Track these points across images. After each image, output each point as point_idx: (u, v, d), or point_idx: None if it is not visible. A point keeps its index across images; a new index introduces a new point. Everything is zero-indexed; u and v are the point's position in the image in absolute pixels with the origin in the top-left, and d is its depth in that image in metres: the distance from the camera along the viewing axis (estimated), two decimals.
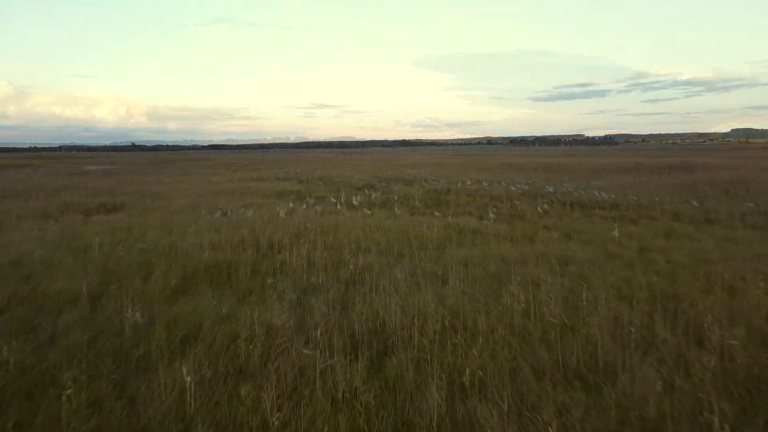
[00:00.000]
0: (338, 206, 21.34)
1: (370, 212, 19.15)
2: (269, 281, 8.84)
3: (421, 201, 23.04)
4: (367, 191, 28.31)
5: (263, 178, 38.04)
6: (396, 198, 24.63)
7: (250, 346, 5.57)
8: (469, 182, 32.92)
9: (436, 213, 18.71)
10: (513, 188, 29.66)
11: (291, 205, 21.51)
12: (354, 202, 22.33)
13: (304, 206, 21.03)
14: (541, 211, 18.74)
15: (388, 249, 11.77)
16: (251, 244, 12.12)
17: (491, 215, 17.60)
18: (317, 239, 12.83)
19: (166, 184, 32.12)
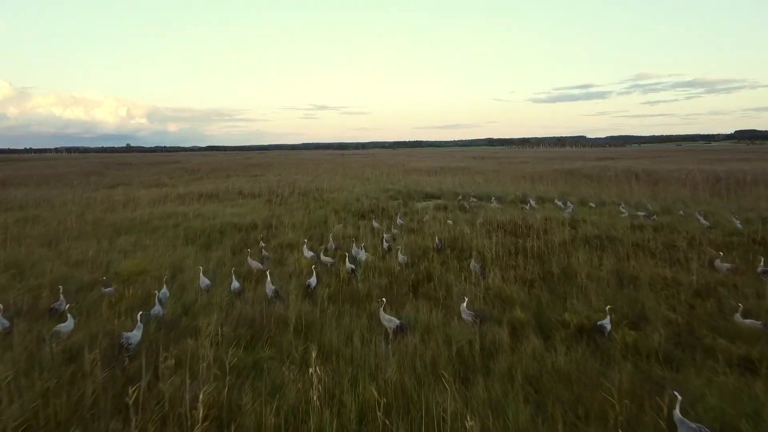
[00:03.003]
0: (312, 279, 9.07)
1: (396, 322, 6.87)
2: None
3: (498, 258, 10.73)
4: (375, 224, 15.98)
5: (218, 193, 25.62)
6: (435, 240, 12.37)
7: None
8: (533, 202, 20.64)
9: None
10: (624, 213, 17.50)
11: (203, 282, 9.07)
12: (349, 267, 10.01)
13: (233, 286, 8.71)
14: None
15: None
16: None
17: None
18: None
19: (42, 207, 19.73)
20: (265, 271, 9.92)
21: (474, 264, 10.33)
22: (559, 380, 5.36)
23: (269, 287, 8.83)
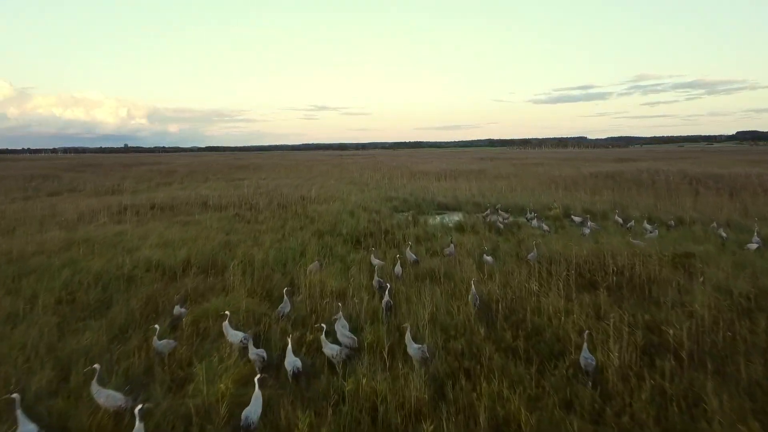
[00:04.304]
0: (249, 411, 3.56)
1: None
2: None
3: (625, 368, 5.21)
4: (375, 260, 10.43)
5: (175, 204, 20.10)
6: (474, 299, 6.91)
7: None
8: (589, 222, 15.12)
9: None
10: (754, 245, 11.92)
11: None
12: (291, 367, 4.55)
13: None
14: None
15: None
16: None
17: None
18: None
19: None
20: (130, 410, 4.42)
21: (587, 362, 4.99)
22: None
23: None
